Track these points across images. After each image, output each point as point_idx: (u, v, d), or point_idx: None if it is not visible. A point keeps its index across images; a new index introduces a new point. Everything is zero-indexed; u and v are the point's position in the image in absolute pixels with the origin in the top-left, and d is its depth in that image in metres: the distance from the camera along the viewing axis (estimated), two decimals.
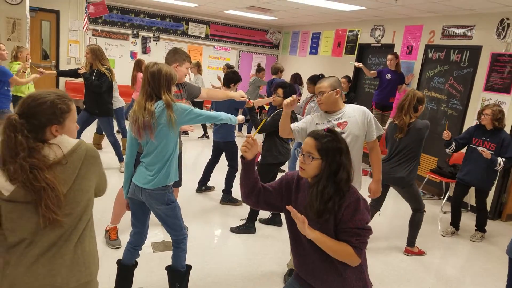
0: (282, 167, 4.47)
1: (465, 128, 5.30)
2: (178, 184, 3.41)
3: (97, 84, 4.71)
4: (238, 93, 3.28)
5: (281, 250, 3.47)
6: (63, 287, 1.41)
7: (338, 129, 2.49)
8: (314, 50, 8.86)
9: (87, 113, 4.94)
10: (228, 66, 8.43)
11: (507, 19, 4.81)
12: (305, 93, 6.31)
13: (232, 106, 4.24)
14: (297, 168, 5.71)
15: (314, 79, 5.09)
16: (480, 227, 4.30)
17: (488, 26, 5.07)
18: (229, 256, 3.39)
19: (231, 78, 4.44)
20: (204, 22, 9.51)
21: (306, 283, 1.80)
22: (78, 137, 4.84)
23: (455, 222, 4.34)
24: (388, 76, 6.12)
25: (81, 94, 8.76)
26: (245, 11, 7.87)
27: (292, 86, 3.82)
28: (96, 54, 4.73)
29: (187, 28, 9.40)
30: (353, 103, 6.94)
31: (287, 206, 1.63)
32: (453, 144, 4.11)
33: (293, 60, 9.58)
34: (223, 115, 2.50)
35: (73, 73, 4.98)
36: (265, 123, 3.62)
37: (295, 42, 9.66)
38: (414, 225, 3.68)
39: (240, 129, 8.48)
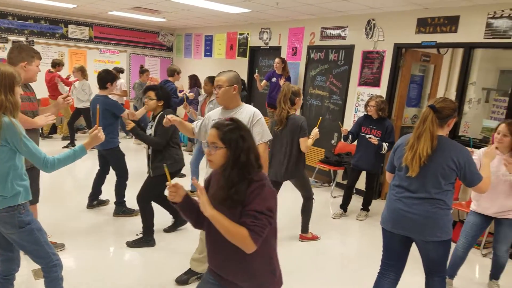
0: (183, 172, 4.36)
1: (346, 119, 5.86)
2: (34, 200, 2.93)
3: None
4: (40, 119, 2.83)
5: (184, 258, 3.29)
6: None
7: None
8: (208, 53, 8.88)
9: None
10: (117, 70, 7.97)
11: (373, 19, 5.43)
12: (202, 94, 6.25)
13: (107, 112, 3.98)
14: (200, 171, 5.48)
15: (212, 79, 5.01)
16: (365, 206, 4.79)
17: (358, 26, 5.66)
18: (128, 272, 3.19)
19: (104, 78, 4.09)
20: (87, 24, 8.83)
21: (218, 276, 1.80)
22: None
23: (345, 204, 4.75)
24: (274, 79, 6.38)
25: None
26: (131, 12, 7.51)
27: (164, 88, 3.63)
28: None
29: (67, 31, 8.63)
30: (248, 103, 6.94)
31: (191, 179, 1.67)
32: (350, 136, 4.55)
33: (189, 63, 9.48)
34: (51, 158, 2.05)
35: None
36: (157, 141, 3.37)
37: (188, 44, 9.56)
38: (305, 212, 3.92)
39: (128, 134, 8.05)
